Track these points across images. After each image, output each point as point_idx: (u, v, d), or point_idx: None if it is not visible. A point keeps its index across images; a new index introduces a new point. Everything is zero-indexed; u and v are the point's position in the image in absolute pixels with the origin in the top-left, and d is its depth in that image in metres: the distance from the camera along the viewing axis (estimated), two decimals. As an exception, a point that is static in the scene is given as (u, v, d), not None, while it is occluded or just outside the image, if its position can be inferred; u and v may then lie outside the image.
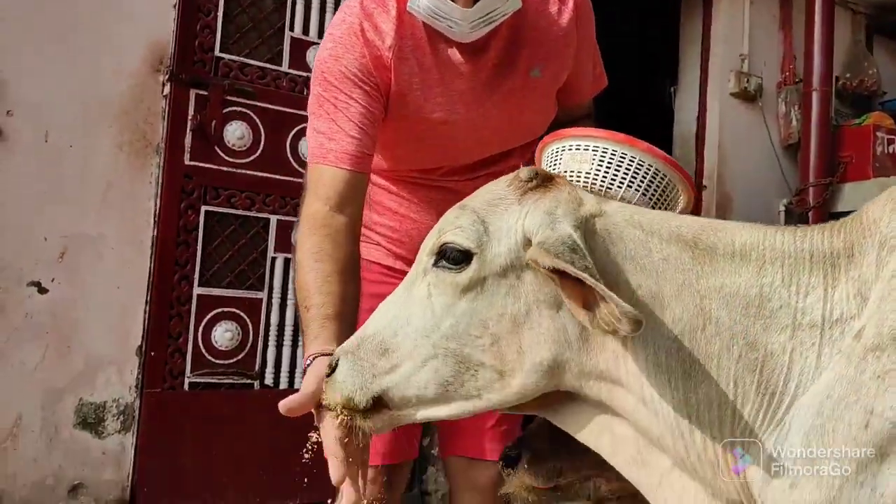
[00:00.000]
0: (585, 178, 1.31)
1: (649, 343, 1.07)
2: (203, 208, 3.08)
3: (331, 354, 1.32)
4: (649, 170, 1.31)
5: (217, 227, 3.12)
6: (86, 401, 2.90)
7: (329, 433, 1.27)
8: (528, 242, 1.12)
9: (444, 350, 1.13)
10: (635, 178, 1.30)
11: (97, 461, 2.92)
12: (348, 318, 1.46)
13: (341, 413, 1.21)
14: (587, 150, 1.32)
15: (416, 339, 1.15)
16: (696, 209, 4.37)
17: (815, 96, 4.44)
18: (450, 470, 1.96)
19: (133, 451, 2.96)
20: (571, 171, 1.32)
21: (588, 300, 1.03)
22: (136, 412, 2.97)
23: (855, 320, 1.00)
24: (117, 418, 2.95)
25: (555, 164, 1.35)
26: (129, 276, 2.97)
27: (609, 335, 1.08)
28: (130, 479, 2.96)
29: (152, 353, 2.98)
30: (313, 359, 1.37)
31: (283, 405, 1.31)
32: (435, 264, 1.17)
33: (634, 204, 1.30)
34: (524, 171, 1.19)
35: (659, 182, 1.32)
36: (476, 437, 1.88)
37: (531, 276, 1.11)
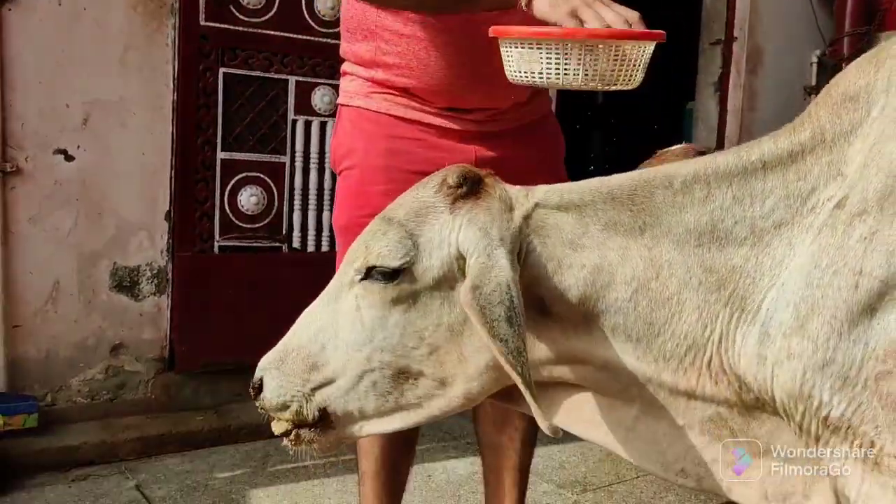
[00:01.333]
0: (539, 76, 1.35)
1: (603, 313, 1.07)
2: (221, 70, 3.04)
3: None
4: (598, 51, 1.32)
5: (236, 89, 3.09)
6: (120, 265, 2.98)
7: None
8: (461, 256, 1.09)
9: (380, 363, 1.12)
10: (590, 65, 1.32)
11: (135, 322, 3.03)
12: None
13: (292, 429, 1.18)
14: (532, 49, 1.35)
15: (348, 353, 1.13)
16: (725, 61, 4.24)
17: (855, -62, 4.21)
18: None
19: (169, 312, 3.07)
20: (524, 72, 1.36)
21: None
22: (169, 275, 3.06)
23: (833, 198, 1.00)
24: (151, 281, 3.04)
25: (508, 62, 1.39)
26: (152, 142, 2.98)
27: (555, 323, 1.10)
28: (168, 338, 3.09)
29: (181, 218, 3.03)
30: None
31: None
32: (363, 279, 1.13)
33: (596, 82, 1.32)
34: (452, 177, 1.13)
35: (614, 56, 1.33)
36: None
37: None
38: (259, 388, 1.19)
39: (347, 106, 1.84)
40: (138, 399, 3.06)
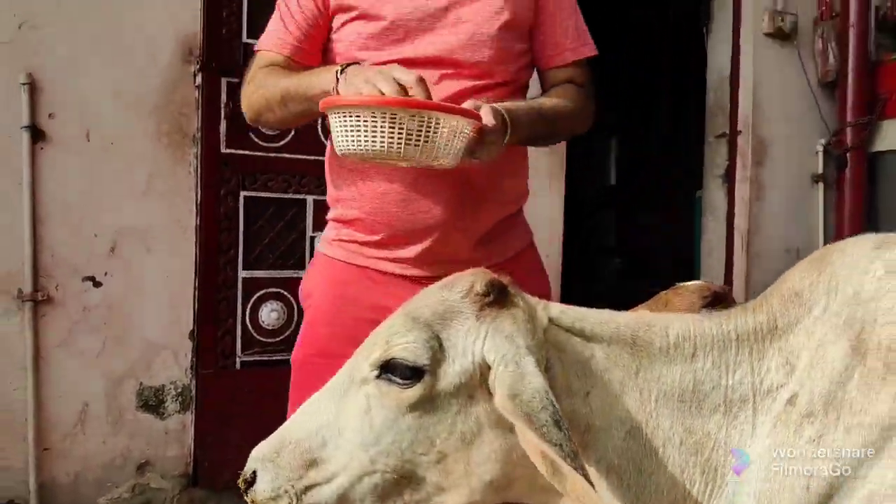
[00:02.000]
0: (338, 145, 1.43)
1: (600, 447, 1.10)
2: (242, 194, 3.18)
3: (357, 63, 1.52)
4: (372, 121, 1.38)
5: (256, 211, 3.22)
6: (145, 385, 3.07)
7: None
8: (484, 364, 1.08)
9: (384, 465, 1.10)
10: (353, 135, 1.40)
11: (160, 440, 3.10)
12: None
13: None
14: (334, 116, 1.44)
15: (353, 452, 1.11)
16: (731, 154, 4.34)
17: (852, 32, 4.33)
18: None
19: (193, 429, 3.14)
20: (337, 142, 1.43)
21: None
22: (193, 392, 3.14)
23: (784, 388, 1.07)
24: (176, 399, 3.12)
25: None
26: (176, 265, 3.10)
27: None
28: (192, 454, 3.15)
29: (203, 337, 3.13)
30: (344, 67, 1.54)
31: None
32: (380, 376, 1.11)
33: (384, 151, 1.37)
34: (479, 284, 1.13)
35: (399, 124, 1.37)
36: None
37: (486, 397, 1.09)
38: (251, 481, 1.15)
39: (319, 251, 1.93)
40: (164, 516, 3.12)
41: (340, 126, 1.42)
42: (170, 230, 3.09)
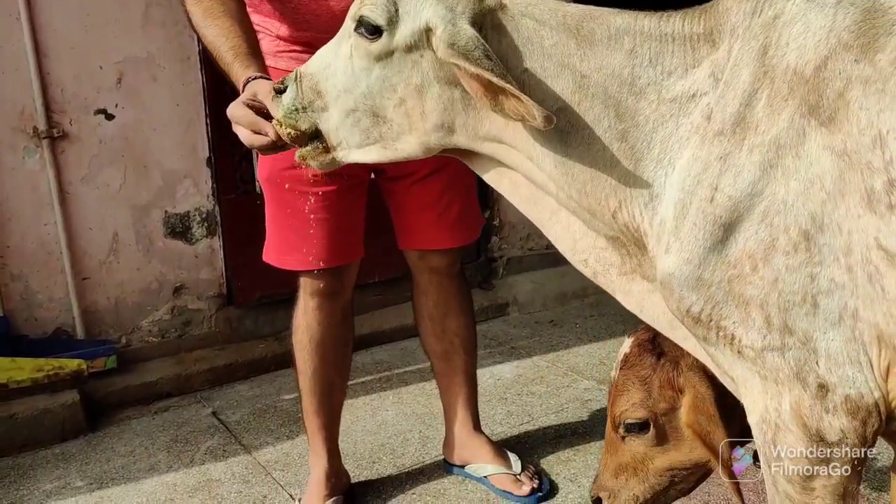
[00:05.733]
0: None
1: None
2: (241, 16, 3.12)
3: (266, 79, 1.56)
4: None
5: (258, 32, 3.17)
6: (171, 212, 3.17)
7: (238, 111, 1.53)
8: (429, 29, 1.24)
9: (364, 106, 1.32)
10: None
11: (192, 264, 3.25)
12: (260, 53, 1.71)
13: (284, 124, 1.40)
14: None
15: (340, 92, 1.33)
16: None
17: None
18: (408, 259, 2.19)
19: (222, 252, 3.27)
20: None
21: (491, 87, 1.17)
22: (218, 218, 3.24)
23: (706, 97, 1.12)
24: (202, 225, 3.23)
25: None
26: (185, 93, 3.12)
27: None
28: (224, 276, 3.30)
29: (221, 163, 3.19)
30: (252, 79, 1.59)
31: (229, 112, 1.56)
32: (356, 29, 1.30)
33: None
34: None
35: None
36: (426, 232, 2.10)
37: (431, 56, 1.25)
38: (283, 91, 1.42)
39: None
40: (204, 333, 3.30)
41: None
42: (173, 58, 3.08)
